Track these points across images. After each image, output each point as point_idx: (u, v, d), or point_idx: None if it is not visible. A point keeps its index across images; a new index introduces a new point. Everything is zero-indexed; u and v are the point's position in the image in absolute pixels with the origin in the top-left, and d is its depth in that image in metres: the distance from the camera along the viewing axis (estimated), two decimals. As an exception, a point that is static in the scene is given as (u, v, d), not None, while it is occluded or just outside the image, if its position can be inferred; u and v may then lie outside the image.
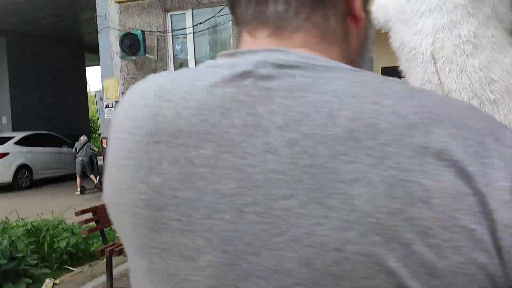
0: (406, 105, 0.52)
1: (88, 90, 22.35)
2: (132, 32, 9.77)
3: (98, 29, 10.53)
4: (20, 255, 4.80)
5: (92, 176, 12.23)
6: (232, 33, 9.57)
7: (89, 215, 4.67)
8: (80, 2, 13.71)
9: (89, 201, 10.21)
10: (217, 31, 9.86)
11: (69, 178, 14.24)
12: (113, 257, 4.64)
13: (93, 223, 4.85)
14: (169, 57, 10.12)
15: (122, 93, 10.38)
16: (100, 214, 4.75)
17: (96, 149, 14.12)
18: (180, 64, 10.18)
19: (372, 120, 0.50)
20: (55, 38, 17.84)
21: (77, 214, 4.55)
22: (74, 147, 12.91)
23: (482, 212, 0.48)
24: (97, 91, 11.26)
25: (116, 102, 10.50)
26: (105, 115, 10.70)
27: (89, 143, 12.89)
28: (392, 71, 7.95)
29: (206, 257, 0.53)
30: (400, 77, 6.96)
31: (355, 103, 0.51)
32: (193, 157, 0.54)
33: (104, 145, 11.06)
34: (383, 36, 7.27)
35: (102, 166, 10.13)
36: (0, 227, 5.64)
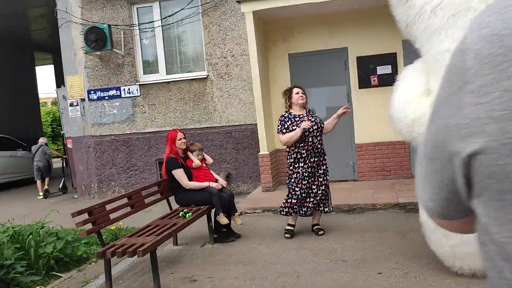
0: None
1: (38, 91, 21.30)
2: (98, 26, 9.36)
3: (59, 24, 10.03)
4: (8, 262, 4.45)
5: (47, 180, 11.62)
6: (203, 25, 9.36)
7: (84, 216, 4.38)
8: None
9: (56, 205, 9.70)
10: (186, 23, 9.59)
11: (28, 182, 13.55)
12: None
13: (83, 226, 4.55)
14: (137, 52, 9.77)
15: (88, 91, 9.97)
16: (96, 215, 4.47)
17: (55, 152, 13.45)
18: (149, 57, 9.85)
19: None
20: (2, 37, 16.88)
21: (73, 215, 4.24)
22: (32, 151, 12.33)
23: None
24: (59, 89, 10.69)
25: (82, 99, 10.07)
26: (70, 114, 10.22)
27: (45, 146, 12.22)
28: (367, 60, 8.38)
29: None
30: (374, 66, 7.54)
31: None
32: None
33: (69, 145, 10.56)
34: (360, 29, 7.57)
35: (67, 169, 9.51)
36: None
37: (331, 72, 8.68)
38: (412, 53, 8.33)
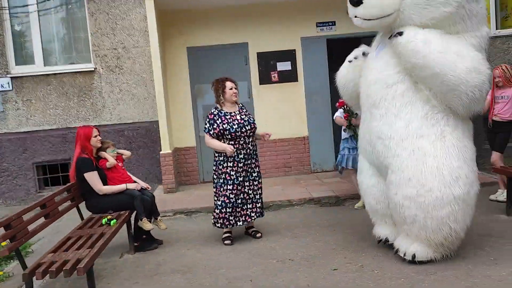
0: None
1: None
2: (-43, 6, 7.87)
3: None
4: None
5: None
6: (88, 12, 8.42)
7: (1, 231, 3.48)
8: None
9: None
10: (69, 9, 8.54)
11: None
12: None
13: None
14: (7, 39, 8.42)
15: None
16: (15, 228, 3.60)
17: None
18: (23, 47, 8.56)
19: None
20: None
21: (-11, 230, 3.35)
22: None
23: None
24: None
25: None
26: None
27: None
28: (268, 56, 8.43)
29: None
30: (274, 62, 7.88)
31: None
32: None
33: None
34: (261, 24, 7.66)
35: None
36: None
37: (232, 67, 8.43)
38: (309, 50, 8.54)
